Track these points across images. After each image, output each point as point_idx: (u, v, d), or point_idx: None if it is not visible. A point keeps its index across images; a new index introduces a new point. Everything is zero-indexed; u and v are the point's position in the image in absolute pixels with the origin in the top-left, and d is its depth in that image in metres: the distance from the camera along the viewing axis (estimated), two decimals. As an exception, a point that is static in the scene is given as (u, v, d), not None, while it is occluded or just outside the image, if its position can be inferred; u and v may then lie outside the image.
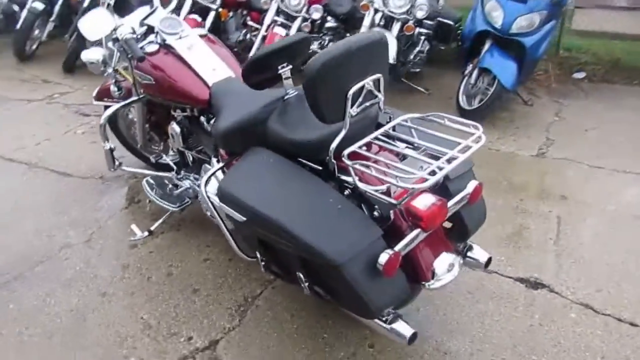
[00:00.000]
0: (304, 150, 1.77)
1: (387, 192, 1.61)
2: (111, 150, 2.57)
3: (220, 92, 2.19)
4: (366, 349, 1.97)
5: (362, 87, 1.60)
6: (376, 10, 4.22)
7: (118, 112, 2.77)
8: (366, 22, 4.25)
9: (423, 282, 1.71)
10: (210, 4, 4.85)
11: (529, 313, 2.12)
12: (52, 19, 5.28)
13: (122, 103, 2.53)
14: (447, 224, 1.86)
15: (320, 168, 1.76)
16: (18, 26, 5.17)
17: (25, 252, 2.50)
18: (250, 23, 5.08)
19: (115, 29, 2.27)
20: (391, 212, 1.66)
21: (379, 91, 1.68)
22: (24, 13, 5.14)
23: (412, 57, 4.61)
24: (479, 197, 1.79)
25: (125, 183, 3.08)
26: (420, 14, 4.14)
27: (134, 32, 2.25)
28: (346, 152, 1.58)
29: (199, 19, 4.80)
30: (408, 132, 1.75)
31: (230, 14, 5.19)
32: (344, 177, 1.68)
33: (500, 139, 3.67)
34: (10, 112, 4.22)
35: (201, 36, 2.46)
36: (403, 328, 1.65)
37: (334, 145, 1.62)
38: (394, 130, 1.75)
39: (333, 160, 1.66)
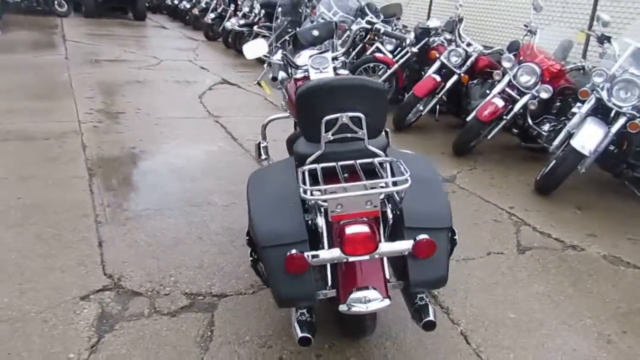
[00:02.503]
0: (297, 160, 2.13)
1: (325, 210, 1.85)
2: (259, 145, 3.35)
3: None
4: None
5: (337, 119, 1.90)
6: (598, 100, 3.88)
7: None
8: (583, 109, 3.95)
9: (338, 303, 1.86)
10: (456, 68, 5.25)
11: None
12: None
13: (277, 116, 3.29)
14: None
15: None
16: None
17: (188, 197, 3.53)
18: (487, 91, 5.25)
19: (267, 55, 3.04)
20: (321, 225, 1.88)
21: (361, 129, 1.92)
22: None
23: (644, 161, 4.00)
24: (428, 253, 1.82)
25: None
26: (649, 113, 3.61)
27: (281, 60, 2.97)
28: (303, 167, 1.90)
29: (438, 79, 5.26)
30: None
31: (476, 81, 5.48)
32: None
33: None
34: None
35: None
36: (299, 330, 1.84)
37: (308, 160, 1.96)
38: (372, 166, 1.95)
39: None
